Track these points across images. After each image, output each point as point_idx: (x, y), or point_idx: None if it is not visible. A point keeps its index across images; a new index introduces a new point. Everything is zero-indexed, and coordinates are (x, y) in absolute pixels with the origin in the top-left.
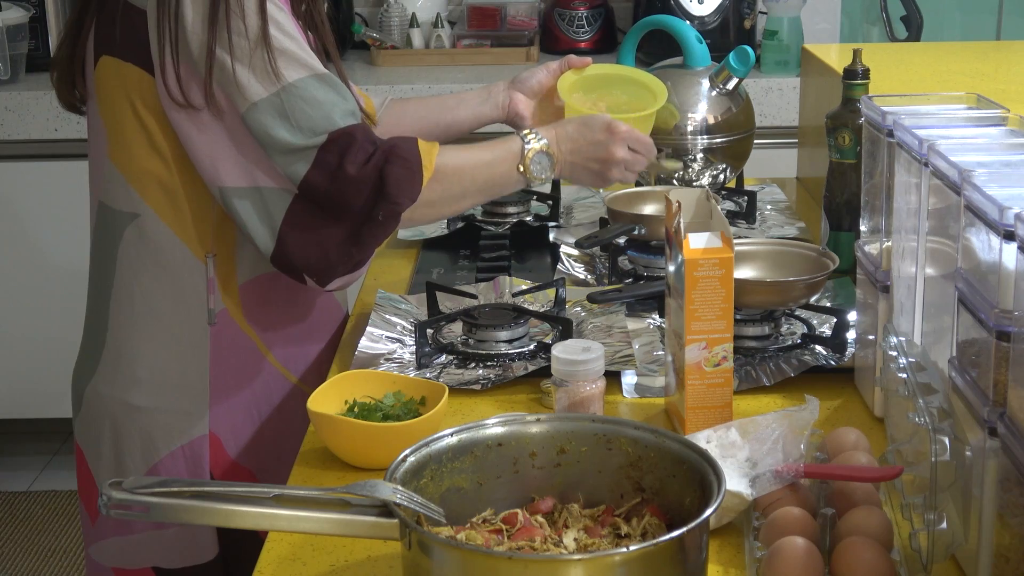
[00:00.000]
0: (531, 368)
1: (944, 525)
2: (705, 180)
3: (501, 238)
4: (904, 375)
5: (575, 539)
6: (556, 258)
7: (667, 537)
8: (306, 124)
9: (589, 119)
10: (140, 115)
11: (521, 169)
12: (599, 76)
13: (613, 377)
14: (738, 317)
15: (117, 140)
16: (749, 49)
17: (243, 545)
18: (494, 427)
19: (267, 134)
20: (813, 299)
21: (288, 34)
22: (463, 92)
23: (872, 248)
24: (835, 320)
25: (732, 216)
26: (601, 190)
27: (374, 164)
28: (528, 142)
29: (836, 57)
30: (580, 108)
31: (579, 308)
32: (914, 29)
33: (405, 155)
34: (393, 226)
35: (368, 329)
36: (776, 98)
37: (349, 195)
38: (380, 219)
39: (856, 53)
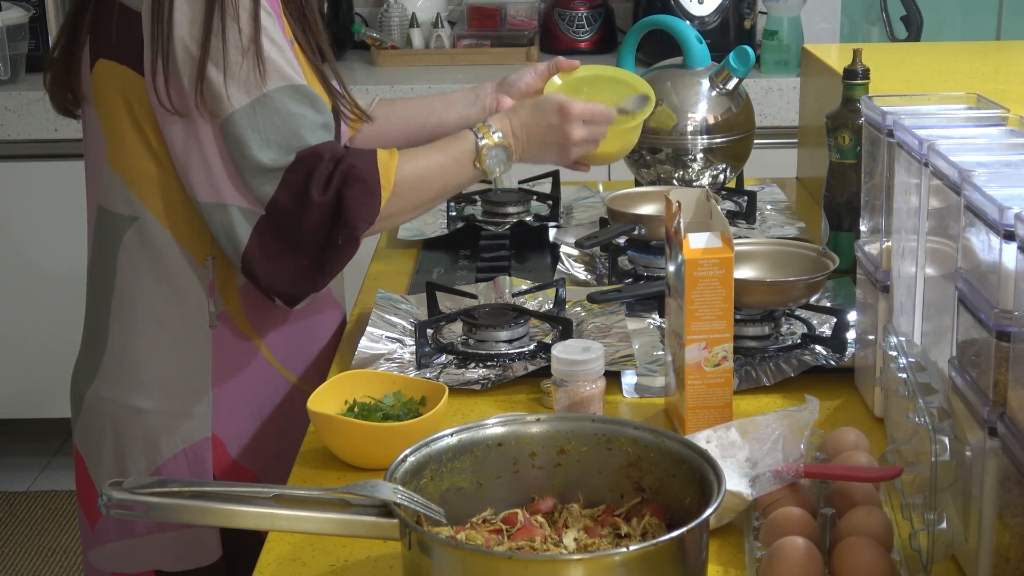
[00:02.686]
0: (531, 368)
1: (944, 525)
2: (705, 180)
3: (501, 238)
4: (904, 375)
5: (575, 539)
6: (556, 258)
7: (667, 537)
8: (274, 138)
9: (542, 101)
10: (137, 118)
11: (477, 166)
12: (587, 78)
13: (613, 377)
14: (738, 317)
15: (115, 144)
16: (749, 49)
17: (247, 546)
18: (494, 427)
19: (239, 148)
20: (813, 299)
21: (274, 42)
22: (450, 93)
23: (872, 248)
24: (835, 320)
25: (732, 216)
26: (601, 189)
27: (333, 188)
28: (482, 138)
29: (836, 57)
30: None
31: (579, 308)
32: (914, 29)
33: (363, 176)
34: (354, 250)
35: (368, 329)
36: (776, 98)
37: (311, 219)
38: (340, 244)
39: (856, 53)
